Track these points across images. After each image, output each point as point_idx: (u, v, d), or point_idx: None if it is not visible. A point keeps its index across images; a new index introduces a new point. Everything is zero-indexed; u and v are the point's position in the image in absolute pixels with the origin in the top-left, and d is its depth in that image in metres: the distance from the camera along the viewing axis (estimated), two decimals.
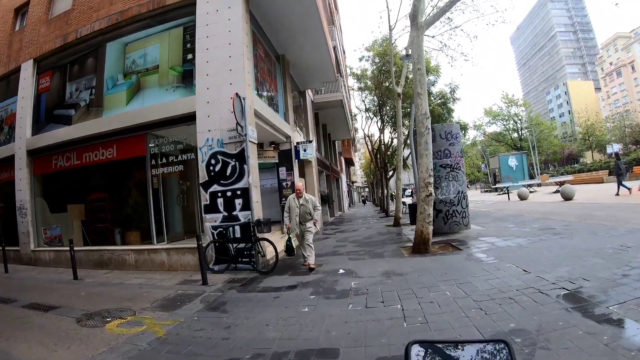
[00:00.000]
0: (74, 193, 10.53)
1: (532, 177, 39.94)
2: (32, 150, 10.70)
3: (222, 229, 7.74)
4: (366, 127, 24.79)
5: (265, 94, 10.41)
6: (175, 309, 5.52)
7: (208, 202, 7.92)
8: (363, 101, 23.69)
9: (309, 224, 7.32)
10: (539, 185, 34.92)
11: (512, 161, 38.02)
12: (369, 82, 21.81)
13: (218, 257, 7.74)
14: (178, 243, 8.70)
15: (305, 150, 12.60)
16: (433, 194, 7.84)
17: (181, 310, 5.46)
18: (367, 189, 71.41)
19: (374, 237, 11.52)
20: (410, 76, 19.30)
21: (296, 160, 12.59)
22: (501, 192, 32.20)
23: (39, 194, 10.85)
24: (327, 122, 22.86)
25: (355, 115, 29.42)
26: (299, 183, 7.63)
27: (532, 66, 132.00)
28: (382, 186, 25.02)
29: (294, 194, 7.42)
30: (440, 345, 1.04)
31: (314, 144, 14.61)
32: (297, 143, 12.72)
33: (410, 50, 10.05)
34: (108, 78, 9.75)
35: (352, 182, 57.64)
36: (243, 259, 7.61)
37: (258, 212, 7.75)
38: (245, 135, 7.49)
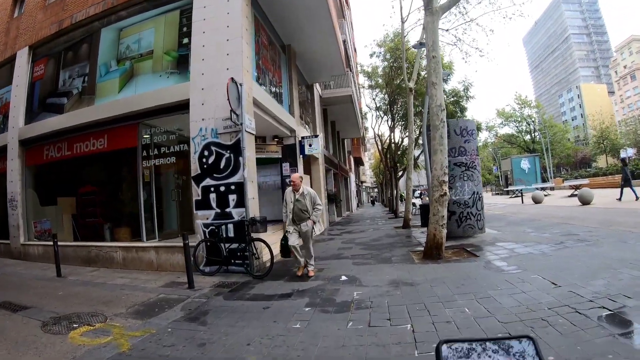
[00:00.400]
0: (65, 186, 9.89)
1: (544, 180, 38.54)
2: (24, 140, 10.08)
3: (214, 227, 6.96)
4: (376, 126, 23.85)
5: (267, 83, 9.62)
6: (150, 317, 4.77)
7: (200, 198, 7.15)
8: (373, 99, 22.91)
9: (306, 224, 6.25)
10: (552, 188, 33.54)
11: (525, 164, 36.67)
12: (380, 80, 20.98)
13: (209, 257, 6.96)
14: (168, 241, 7.95)
15: (310, 146, 11.73)
16: (448, 194, 6.96)
17: (157, 318, 4.70)
18: (376, 189, 70.31)
19: (382, 239, 10.65)
20: (423, 73, 18.57)
21: (301, 156, 11.74)
22: (513, 195, 31.01)
23: (31, 186, 10.23)
24: (336, 120, 21.99)
25: (365, 114, 28.57)
26: (295, 174, 6.56)
27: (545, 68, 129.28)
28: (391, 186, 24.11)
29: (291, 186, 6.42)
30: (468, 343, 1.05)
31: (321, 139, 13.76)
32: (302, 137, 11.85)
33: (424, 36, 9.18)
34: (101, 65, 9.07)
35: (361, 182, 56.65)
36: (236, 261, 6.81)
37: (254, 209, 6.96)
38: (242, 124, 6.70)
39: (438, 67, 7.40)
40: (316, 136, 12.16)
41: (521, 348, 1.02)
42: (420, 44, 10.14)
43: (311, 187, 14.20)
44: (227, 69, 7.10)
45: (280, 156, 11.32)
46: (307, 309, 4.51)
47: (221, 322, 4.36)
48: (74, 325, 4.54)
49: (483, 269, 5.80)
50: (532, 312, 3.74)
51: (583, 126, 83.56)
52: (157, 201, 8.83)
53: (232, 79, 6.61)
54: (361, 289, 5.22)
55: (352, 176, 36.47)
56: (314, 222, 6.32)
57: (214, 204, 7.02)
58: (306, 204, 6.25)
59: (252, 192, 6.93)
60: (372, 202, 59.93)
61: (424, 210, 9.84)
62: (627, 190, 15.62)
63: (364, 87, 23.84)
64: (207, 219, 7.08)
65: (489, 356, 1.02)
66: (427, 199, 24.51)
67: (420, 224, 12.75)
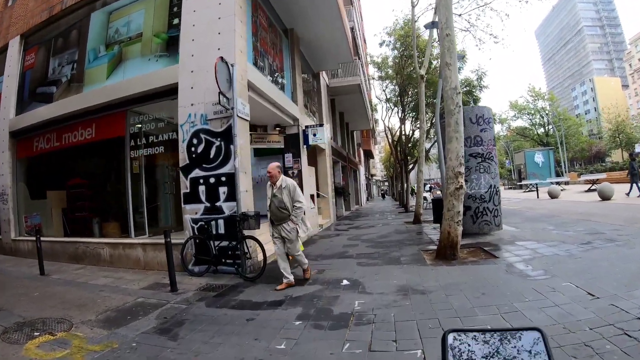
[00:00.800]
0: (55, 178, 9.24)
1: (558, 174, 36.98)
2: (15, 132, 9.47)
3: (203, 223, 6.20)
4: (386, 119, 22.89)
5: (267, 67, 8.78)
6: (119, 326, 4.08)
7: (188, 190, 6.40)
8: (384, 91, 21.98)
9: (287, 226, 5.08)
10: (566, 183, 32.08)
11: (539, 157, 35.13)
12: (390, 71, 20.05)
13: (198, 256, 6.20)
14: (156, 237, 7.20)
15: (315, 135, 10.84)
16: (464, 187, 6.09)
17: (125, 328, 3.99)
18: (386, 183, 69.08)
19: (391, 235, 9.78)
20: (435, 62, 17.55)
21: (304, 146, 10.88)
22: (527, 190, 29.73)
23: (22, 179, 9.62)
24: (345, 110, 21.02)
25: (375, 106, 27.61)
26: (272, 164, 5.23)
27: (558, 61, 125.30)
28: (401, 180, 23.17)
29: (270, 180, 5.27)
30: (475, 333, 1.04)
31: (327, 128, 12.85)
32: (306, 127, 11.00)
33: (437, 17, 8.28)
34: (90, 50, 8.36)
35: (372, 176, 55.59)
36: (227, 260, 6.04)
37: (247, 203, 6.15)
38: (233, 109, 5.91)
39: (452, 47, 6.51)
40: (321, 125, 11.24)
41: (529, 340, 0.99)
42: (432, 24, 9.21)
43: (317, 180, 13.36)
44: (219, 49, 6.30)
45: (283, 146, 10.49)
46: (297, 323, 3.71)
47: (195, 336, 3.61)
48: (35, 334, 3.98)
49: (505, 274, 4.94)
50: (571, 335, 2.93)
51: (596, 120, 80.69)
52: (150, 194, 8.17)
53: (222, 58, 5.81)
54: (364, 297, 4.39)
55: (362, 169, 35.52)
56: (296, 224, 5.09)
57: (203, 197, 6.26)
58: (284, 200, 5.06)
59: (244, 184, 6.15)
60: (382, 196, 58.68)
61: (437, 205, 8.89)
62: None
63: (373, 78, 22.91)
64: (196, 213, 6.33)
65: (496, 347, 1.00)
66: (438, 192, 23.56)
67: (432, 219, 11.88)
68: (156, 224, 8.25)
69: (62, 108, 8.36)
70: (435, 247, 6.88)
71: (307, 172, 11.06)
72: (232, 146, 5.96)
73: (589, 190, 21.20)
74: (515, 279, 4.66)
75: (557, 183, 27.79)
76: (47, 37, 9.61)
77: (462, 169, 6.10)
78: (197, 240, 6.23)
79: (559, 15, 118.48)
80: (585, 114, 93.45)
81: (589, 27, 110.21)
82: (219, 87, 5.60)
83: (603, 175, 26.12)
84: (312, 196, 11.29)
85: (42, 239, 8.55)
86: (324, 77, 15.29)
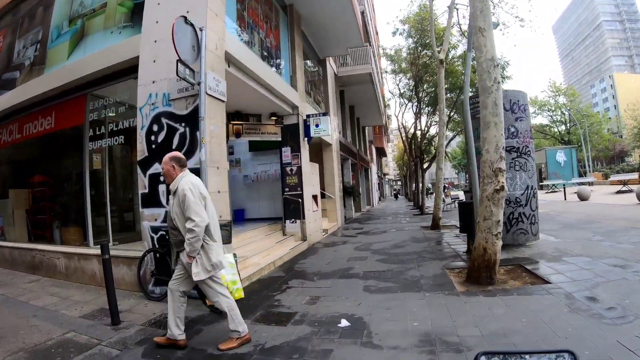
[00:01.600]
0: (19, 175, 7.95)
1: (581, 174, 34.59)
2: None
3: (164, 232, 4.78)
4: (400, 114, 21.29)
5: (256, 42, 7.26)
6: None
7: (147, 190, 4.95)
8: (397, 85, 20.32)
9: (183, 258, 3.19)
10: (591, 183, 29.72)
11: (561, 156, 32.83)
12: (404, 64, 18.42)
13: (158, 276, 4.77)
14: (120, 248, 5.77)
15: (317, 126, 9.18)
16: (506, 188, 4.49)
17: None
18: (399, 182, 66.98)
19: (407, 244, 8.16)
20: (453, 52, 15.91)
21: (305, 139, 9.21)
22: (550, 190, 27.60)
23: None
24: (355, 104, 19.35)
25: (388, 101, 25.92)
26: (167, 155, 3.34)
27: (576, 57, 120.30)
28: (416, 179, 21.45)
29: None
30: (507, 357, 1.01)
31: (333, 120, 11.26)
32: (307, 116, 9.34)
33: None
34: (54, 28, 7.03)
35: (384, 175, 53.66)
36: None
37: (220, 208, 4.64)
38: (200, 84, 4.45)
39: (486, 8, 4.96)
40: (325, 114, 9.52)
41: None
42: None
43: (322, 179, 11.75)
44: (187, 11, 4.84)
45: (280, 139, 8.95)
46: None
47: None
48: None
49: (569, 313, 3.38)
50: None
51: (617, 118, 76.84)
52: (123, 194, 6.81)
53: (185, 18, 4.36)
54: (369, 354, 2.84)
55: (374, 167, 33.77)
56: (191, 257, 3.07)
57: (163, 200, 4.81)
58: (174, 212, 3.16)
59: (216, 182, 4.67)
60: (395, 196, 56.47)
61: (465, 210, 7.02)
62: None
63: (386, 71, 21.26)
64: (156, 220, 4.87)
65: None
66: (453, 193, 21.74)
67: (451, 223, 10.26)
68: (130, 230, 6.88)
69: (22, 94, 7.06)
70: (462, 264, 5.34)
71: (309, 169, 9.50)
72: (198, 133, 4.48)
73: (620, 191, 19.21)
74: (586, 322, 3.13)
75: (581, 184, 25.74)
76: (15, 17, 8.35)
77: (503, 164, 4.51)
78: (158, 255, 4.80)
79: (576, 10, 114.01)
80: (605, 111, 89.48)
81: (607, 22, 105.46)
82: (177, 53, 4.15)
83: (634, 176, 23.96)
84: (314, 197, 9.73)
85: (1, 244, 7.39)
86: (331, 65, 13.68)
